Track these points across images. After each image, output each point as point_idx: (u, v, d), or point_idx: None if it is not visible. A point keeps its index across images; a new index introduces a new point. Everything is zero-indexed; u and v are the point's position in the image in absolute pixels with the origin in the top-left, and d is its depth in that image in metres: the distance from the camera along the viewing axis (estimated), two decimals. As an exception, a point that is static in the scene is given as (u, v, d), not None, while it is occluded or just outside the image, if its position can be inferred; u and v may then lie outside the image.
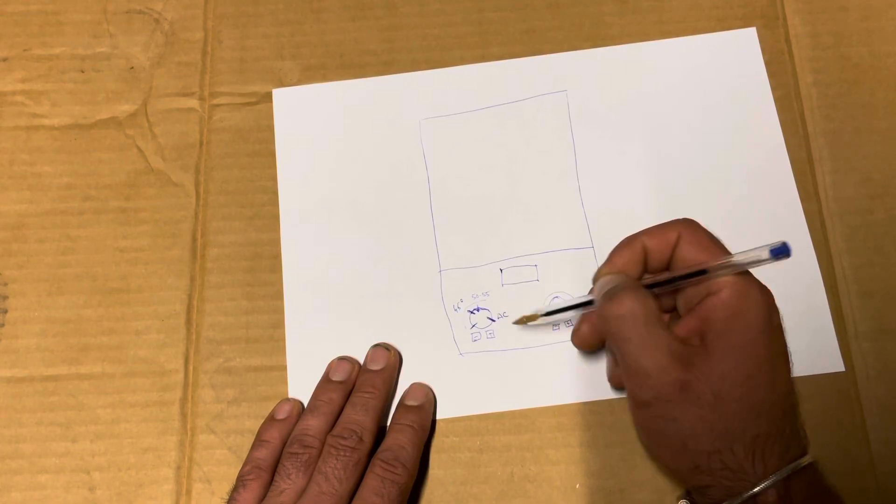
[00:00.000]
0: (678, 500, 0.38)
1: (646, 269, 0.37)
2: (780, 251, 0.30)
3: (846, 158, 0.43)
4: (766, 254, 0.31)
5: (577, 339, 0.39)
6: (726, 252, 0.35)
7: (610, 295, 0.34)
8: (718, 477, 0.32)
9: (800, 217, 0.43)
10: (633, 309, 0.33)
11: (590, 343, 0.39)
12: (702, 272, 0.33)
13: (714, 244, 0.35)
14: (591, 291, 0.38)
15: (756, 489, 0.31)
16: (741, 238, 0.42)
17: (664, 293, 0.36)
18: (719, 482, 0.32)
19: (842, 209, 0.43)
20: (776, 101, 0.45)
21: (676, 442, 0.33)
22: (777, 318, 0.33)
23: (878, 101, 0.44)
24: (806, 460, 0.32)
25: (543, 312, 0.39)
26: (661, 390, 0.32)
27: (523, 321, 0.40)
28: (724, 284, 0.33)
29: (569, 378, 0.40)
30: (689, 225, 0.36)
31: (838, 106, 0.44)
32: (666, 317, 0.37)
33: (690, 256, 0.35)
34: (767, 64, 0.45)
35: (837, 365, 0.40)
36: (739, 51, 0.46)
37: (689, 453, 0.32)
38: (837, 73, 0.45)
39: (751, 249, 0.32)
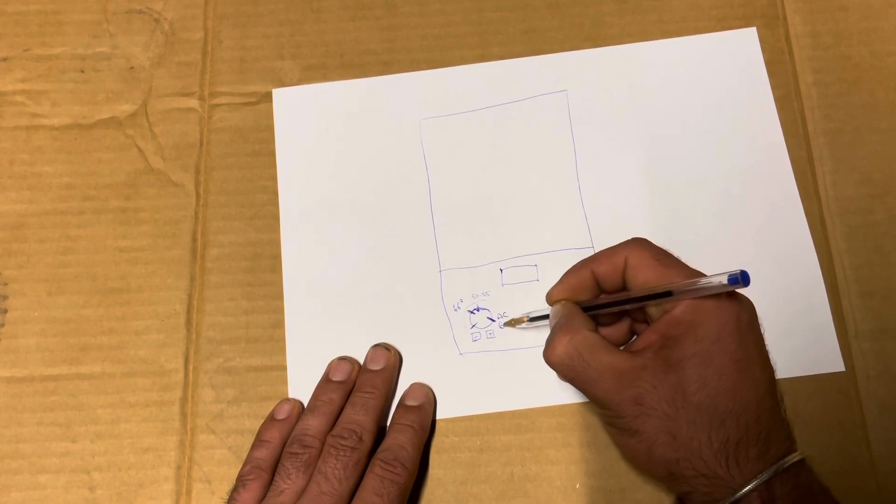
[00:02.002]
0: (674, 502, 0.38)
1: (602, 290, 0.37)
2: (737, 280, 0.31)
3: (846, 158, 0.43)
4: (724, 280, 0.31)
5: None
6: (676, 269, 0.34)
7: (548, 340, 0.36)
8: (694, 484, 0.32)
9: (800, 217, 0.43)
10: (565, 353, 0.34)
11: None
12: (666, 293, 0.34)
13: (661, 265, 0.35)
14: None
15: (737, 495, 0.31)
16: (741, 238, 0.42)
17: (634, 308, 0.37)
18: (697, 489, 0.32)
19: (842, 209, 0.43)
20: (776, 101, 0.45)
21: (643, 453, 0.33)
22: (746, 321, 0.33)
23: (878, 101, 0.44)
24: (790, 460, 0.32)
25: (530, 318, 0.40)
26: (617, 410, 0.33)
27: (511, 324, 0.41)
28: (681, 301, 0.33)
29: (569, 378, 0.41)
30: (636, 247, 0.36)
31: (838, 106, 0.44)
32: (643, 326, 0.38)
33: (640, 279, 0.35)
34: (767, 64, 0.45)
35: (837, 365, 0.40)
36: (739, 51, 0.46)
37: (658, 462, 0.33)
38: (837, 73, 0.45)
39: (713, 276, 0.32)
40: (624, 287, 0.36)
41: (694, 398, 0.32)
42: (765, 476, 0.31)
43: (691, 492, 0.33)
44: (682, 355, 0.33)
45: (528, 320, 0.40)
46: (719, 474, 0.32)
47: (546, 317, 0.38)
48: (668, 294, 0.33)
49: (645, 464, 0.34)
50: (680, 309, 0.33)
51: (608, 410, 0.34)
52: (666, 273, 0.34)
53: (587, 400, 0.40)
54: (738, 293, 0.34)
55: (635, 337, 0.39)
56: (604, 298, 0.37)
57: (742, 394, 0.32)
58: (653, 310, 0.35)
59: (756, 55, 0.46)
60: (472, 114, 0.45)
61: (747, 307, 0.34)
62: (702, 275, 0.34)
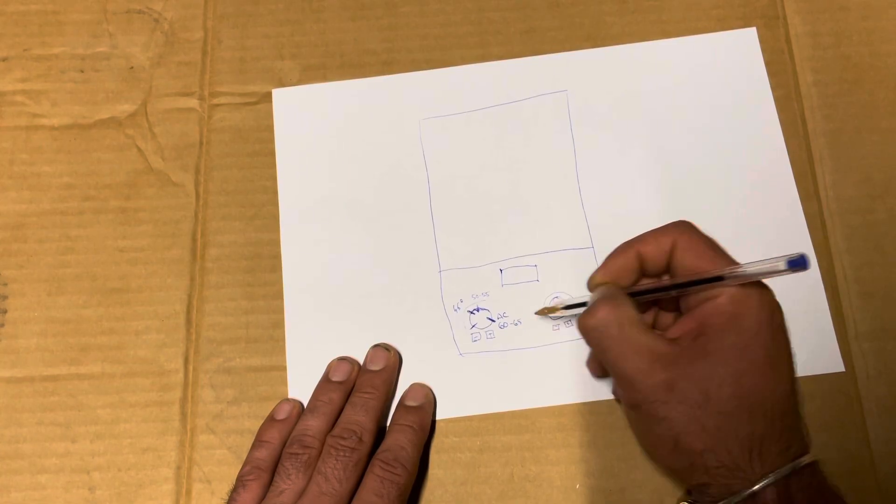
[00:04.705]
0: (678, 501, 0.38)
1: (644, 273, 0.37)
2: (798, 263, 0.29)
3: (846, 158, 0.43)
4: (782, 265, 0.30)
5: (590, 366, 0.40)
6: (723, 256, 0.34)
7: (588, 309, 0.35)
8: (715, 475, 0.32)
9: (800, 217, 0.43)
10: (605, 319, 0.34)
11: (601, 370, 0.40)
12: (717, 279, 0.33)
13: (710, 249, 0.34)
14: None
15: (755, 487, 0.31)
16: (741, 238, 0.42)
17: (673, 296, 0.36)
18: (716, 480, 0.32)
19: (842, 209, 0.43)
20: (776, 101, 0.45)
21: (668, 441, 0.33)
22: (779, 319, 0.33)
23: (878, 101, 0.44)
24: (806, 459, 0.32)
25: (563, 306, 0.39)
26: (646, 393, 0.33)
27: (544, 312, 0.41)
28: (722, 291, 0.33)
29: (569, 378, 0.41)
30: (684, 231, 0.35)
31: (838, 106, 0.44)
32: (671, 317, 0.37)
33: (687, 263, 0.34)
34: (767, 64, 0.45)
35: (837, 365, 0.40)
36: (739, 51, 0.46)
37: (683, 452, 0.33)
38: (837, 73, 0.45)
39: (766, 260, 0.31)
40: (666, 271, 0.36)
41: (727, 390, 0.32)
42: (783, 471, 0.31)
43: (708, 483, 0.32)
44: (720, 346, 0.32)
45: (563, 308, 0.39)
46: (741, 466, 0.32)
47: (582, 304, 0.38)
48: (718, 279, 0.33)
49: (667, 453, 0.33)
50: (723, 299, 0.33)
51: (635, 392, 0.33)
52: (715, 258, 0.34)
53: (587, 400, 0.40)
54: (768, 289, 0.34)
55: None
56: (647, 284, 0.36)
57: (771, 389, 0.32)
58: (692, 298, 0.35)
59: (756, 55, 0.46)
60: (472, 114, 0.45)
61: (777, 304, 0.34)
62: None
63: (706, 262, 0.34)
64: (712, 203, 0.43)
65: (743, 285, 0.33)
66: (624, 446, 0.39)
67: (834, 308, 0.41)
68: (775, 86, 0.45)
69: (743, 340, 0.32)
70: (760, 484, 0.31)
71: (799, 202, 0.43)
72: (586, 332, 0.35)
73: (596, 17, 0.47)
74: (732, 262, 0.34)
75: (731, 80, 0.45)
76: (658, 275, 0.37)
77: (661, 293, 0.35)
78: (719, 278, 0.33)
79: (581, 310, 0.37)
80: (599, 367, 0.40)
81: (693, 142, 0.44)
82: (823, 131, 0.44)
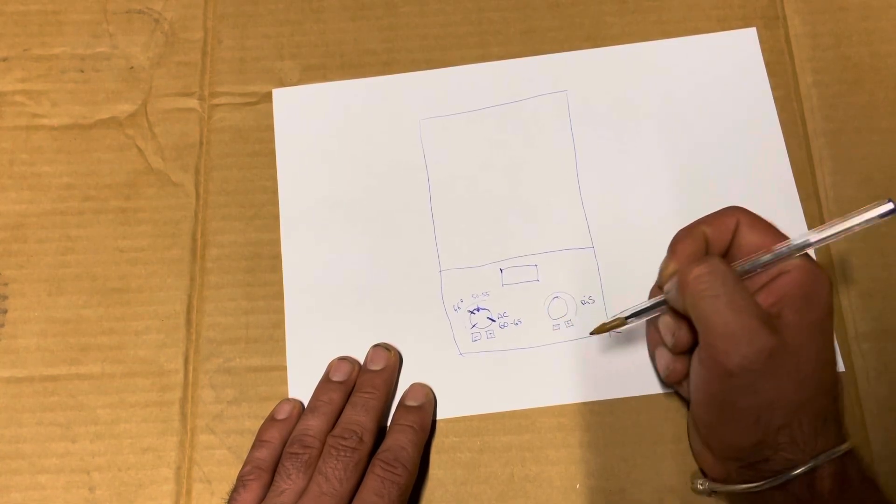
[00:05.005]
0: (693, 479, 0.37)
1: None
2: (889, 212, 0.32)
3: (846, 158, 0.43)
4: (877, 212, 0.32)
5: (670, 372, 0.37)
6: (782, 234, 0.35)
7: (691, 265, 0.33)
8: (780, 450, 0.32)
9: (800, 217, 0.43)
10: (718, 268, 0.33)
11: (682, 364, 0.37)
12: (806, 244, 0.34)
13: (772, 226, 0.35)
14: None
15: (812, 462, 0.31)
16: (741, 238, 0.42)
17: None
18: (780, 455, 0.32)
19: (842, 209, 0.43)
20: (776, 101, 0.45)
21: (750, 416, 0.32)
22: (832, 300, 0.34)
23: (878, 101, 0.44)
24: (852, 444, 0.33)
25: (626, 315, 0.37)
26: (749, 357, 0.31)
27: (601, 330, 0.38)
28: (794, 266, 0.34)
29: (569, 378, 0.40)
30: (744, 211, 0.36)
31: (838, 106, 0.44)
32: None
33: (752, 241, 0.35)
34: (767, 64, 0.45)
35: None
36: (739, 51, 0.46)
37: (760, 427, 0.32)
38: (837, 73, 0.45)
39: (861, 210, 0.33)
40: (725, 253, 0.36)
41: (810, 365, 0.32)
42: (842, 449, 0.32)
43: (769, 459, 0.32)
44: (802, 322, 0.33)
45: (625, 318, 0.37)
46: (809, 442, 0.32)
47: (645, 310, 0.36)
48: (806, 244, 0.34)
49: (742, 428, 0.33)
50: (796, 275, 0.33)
51: (737, 355, 0.31)
52: (778, 234, 0.35)
53: (587, 400, 0.40)
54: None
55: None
56: (742, 261, 0.35)
57: (832, 369, 0.33)
58: (756, 278, 0.35)
59: (756, 55, 0.46)
60: (472, 114, 0.45)
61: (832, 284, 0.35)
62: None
63: (771, 239, 0.35)
64: (712, 203, 0.43)
65: (811, 264, 0.34)
66: (624, 446, 0.39)
67: (834, 308, 0.41)
68: (775, 86, 0.45)
69: (819, 317, 0.33)
70: (820, 457, 0.32)
71: (799, 202, 0.43)
72: (696, 278, 0.33)
73: (596, 17, 0.47)
74: (782, 239, 0.35)
75: (731, 80, 0.45)
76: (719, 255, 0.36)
77: (759, 268, 0.35)
78: (807, 243, 0.34)
79: (644, 317, 0.37)
80: (679, 373, 0.37)
81: (693, 142, 0.44)
82: (823, 131, 0.44)
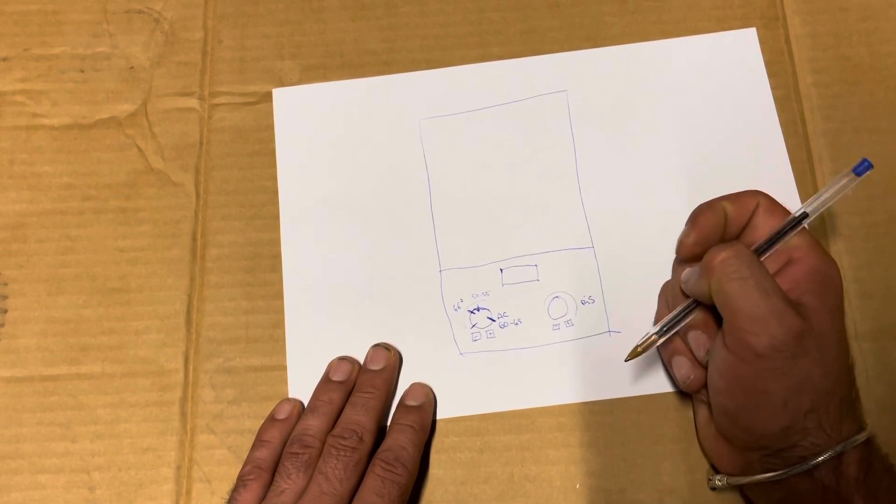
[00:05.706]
0: (708, 476, 0.37)
1: (722, 237, 0.36)
2: (863, 167, 0.33)
3: (846, 158, 0.43)
4: (850, 175, 0.33)
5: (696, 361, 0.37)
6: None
7: (715, 246, 0.34)
8: (808, 435, 0.32)
9: (800, 217, 0.43)
10: (744, 250, 0.33)
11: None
12: (803, 216, 0.34)
13: (788, 214, 0.36)
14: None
15: (838, 448, 0.32)
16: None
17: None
18: (807, 440, 0.32)
19: (842, 209, 0.43)
20: (776, 101, 0.45)
21: (778, 399, 0.32)
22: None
23: (878, 101, 0.44)
24: (870, 432, 0.33)
25: (655, 332, 0.36)
26: (778, 339, 0.31)
27: (637, 353, 0.36)
28: (805, 253, 0.34)
29: (569, 378, 0.41)
30: (765, 195, 0.36)
31: (838, 106, 0.44)
32: None
33: (768, 224, 0.35)
34: (767, 64, 0.45)
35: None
36: (739, 51, 0.46)
37: (788, 412, 0.32)
38: (837, 74, 0.45)
39: (833, 182, 0.35)
40: (738, 235, 0.36)
41: (833, 350, 0.32)
42: (865, 434, 0.32)
43: (796, 445, 0.32)
44: (822, 307, 0.33)
45: (655, 335, 0.36)
46: (835, 427, 0.32)
47: (675, 320, 0.36)
48: (804, 217, 0.34)
49: (770, 414, 0.32)
50: (811, 262, 0.34)
51: (766, 335, 0.31)
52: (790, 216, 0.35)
53: (587, 400, 0.40)
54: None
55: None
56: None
57: (849, 356, 0.34)
58: (771, 263, 0.35)
59: (756, 56, 0.46)
60: (472, 114, 0.45)
61: None
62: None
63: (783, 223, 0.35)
64: (712, 203, 0.43)
65: (822, 251, 0.34)
66: (624, 446, 0.39)
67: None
68: (775, 86, 0.45)
69: (837, 303, 0.33)
70: (848, 441, 0.32)
71: (799, 202, 0.43)
72: (723, 261, 0.33)
73: (596, 17, 0.47)
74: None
75: (731, 80, 0.45)
76: (733, 237, 0.36)
77: (772, 246, 0.35)
78: (805, 215, 0.34)
79: (676, 328, 0.36)
80: (699, 381, 0.37)
81: (693, 142, 0.44)
82: (823, 131, 0.44)
